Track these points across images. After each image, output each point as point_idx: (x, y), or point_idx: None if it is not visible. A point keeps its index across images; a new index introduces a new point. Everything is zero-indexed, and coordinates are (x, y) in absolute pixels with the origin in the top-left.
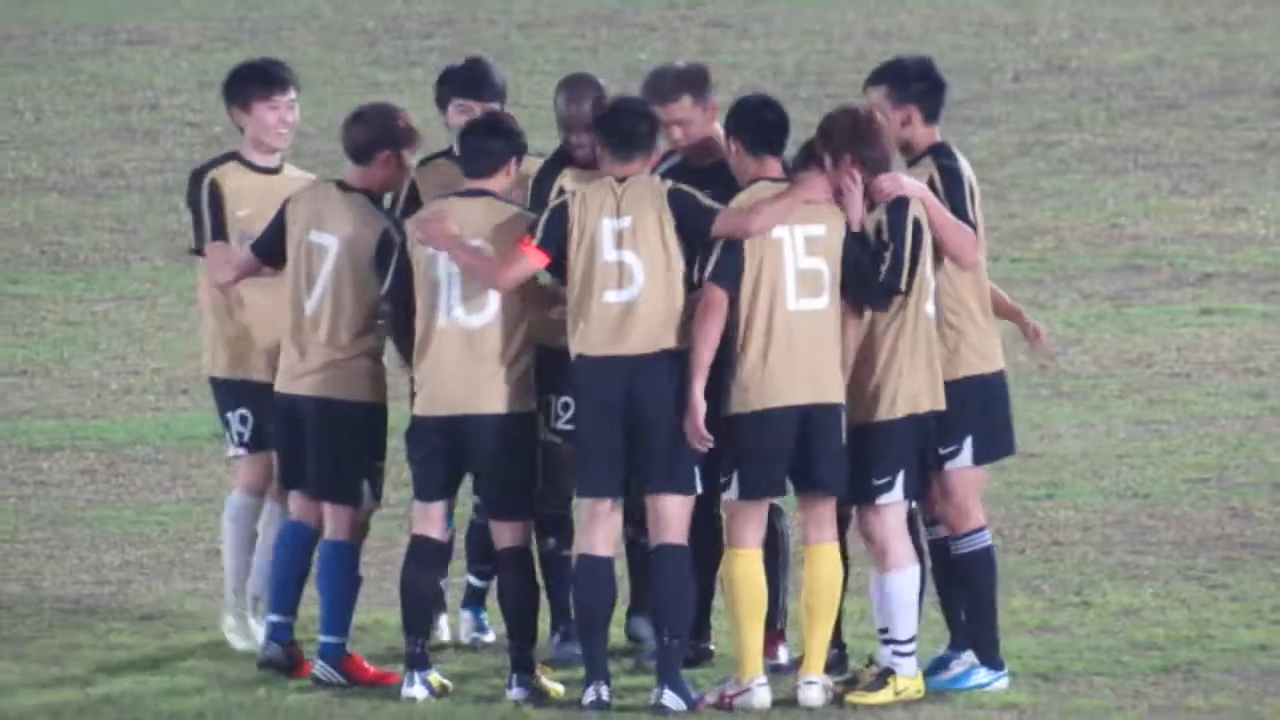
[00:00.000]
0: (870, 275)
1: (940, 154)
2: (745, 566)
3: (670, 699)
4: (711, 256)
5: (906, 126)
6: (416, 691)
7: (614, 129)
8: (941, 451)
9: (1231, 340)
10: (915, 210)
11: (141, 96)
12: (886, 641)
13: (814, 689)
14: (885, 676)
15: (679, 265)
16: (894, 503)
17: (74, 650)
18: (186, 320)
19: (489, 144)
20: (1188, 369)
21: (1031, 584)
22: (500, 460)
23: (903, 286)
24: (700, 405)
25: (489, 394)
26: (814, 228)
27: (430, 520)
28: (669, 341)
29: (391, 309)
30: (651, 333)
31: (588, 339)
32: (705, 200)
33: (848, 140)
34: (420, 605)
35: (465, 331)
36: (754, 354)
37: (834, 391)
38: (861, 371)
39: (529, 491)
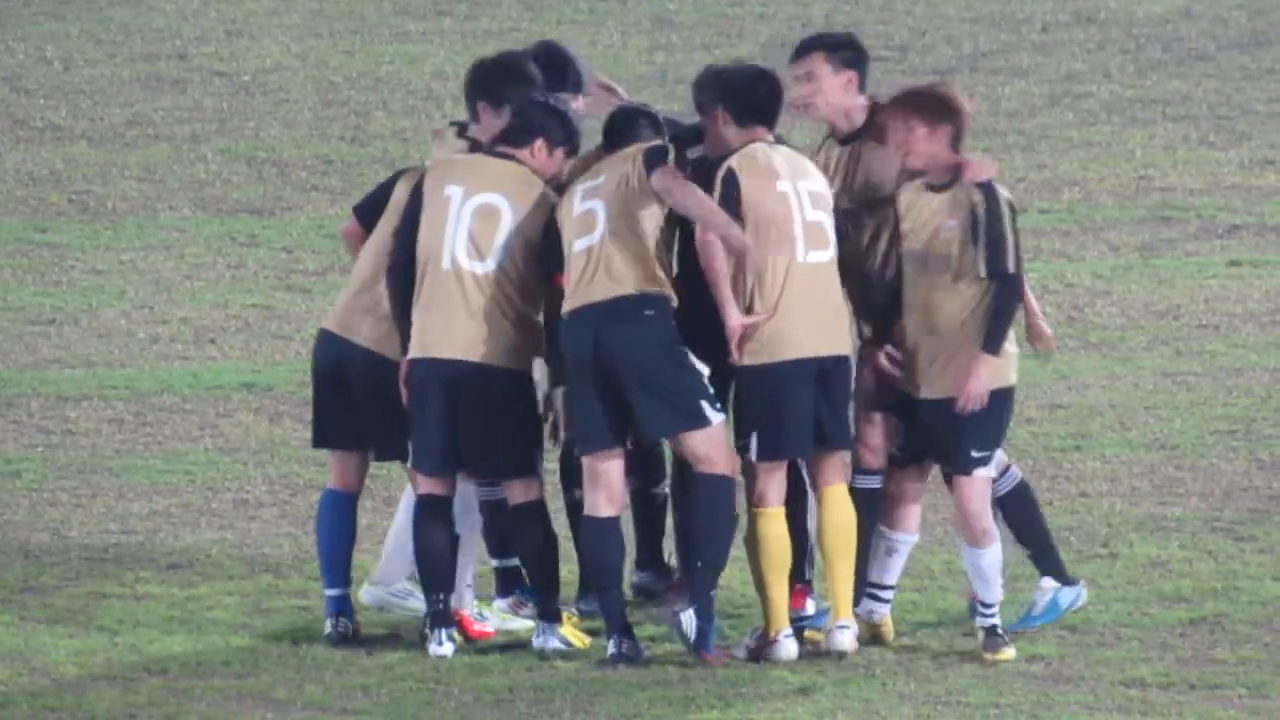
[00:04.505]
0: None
1: None
2: (769, 525)
3: (686, 620)
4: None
5: (847, 92)
6: (445, 649)
7: (611, 131)
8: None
9: (1259, 292)
10: (1005, 192)
11: (170, 45)
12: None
13: (845, 634)
14: (995, 631)
15: (648, 214)
16: (988, 475)
17: (101, 599)
18: (214, 269)
19: (530, 114)
20: (1215, 320)
21: (1058, 535)
22: (495, 414)
23: (1011, 269)
24: (733, 309)
25: (483, 343)
26: (815, 183)
27: (435, 480)
28: (630, 287)
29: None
30: (612, 277)
31: (567, 294)
32: (666, 157)
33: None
34: (437, 563)
35: (467, 277)
36: (767, 307)
37: (843, 343)
38: (964, 346)
39: (533, 448)
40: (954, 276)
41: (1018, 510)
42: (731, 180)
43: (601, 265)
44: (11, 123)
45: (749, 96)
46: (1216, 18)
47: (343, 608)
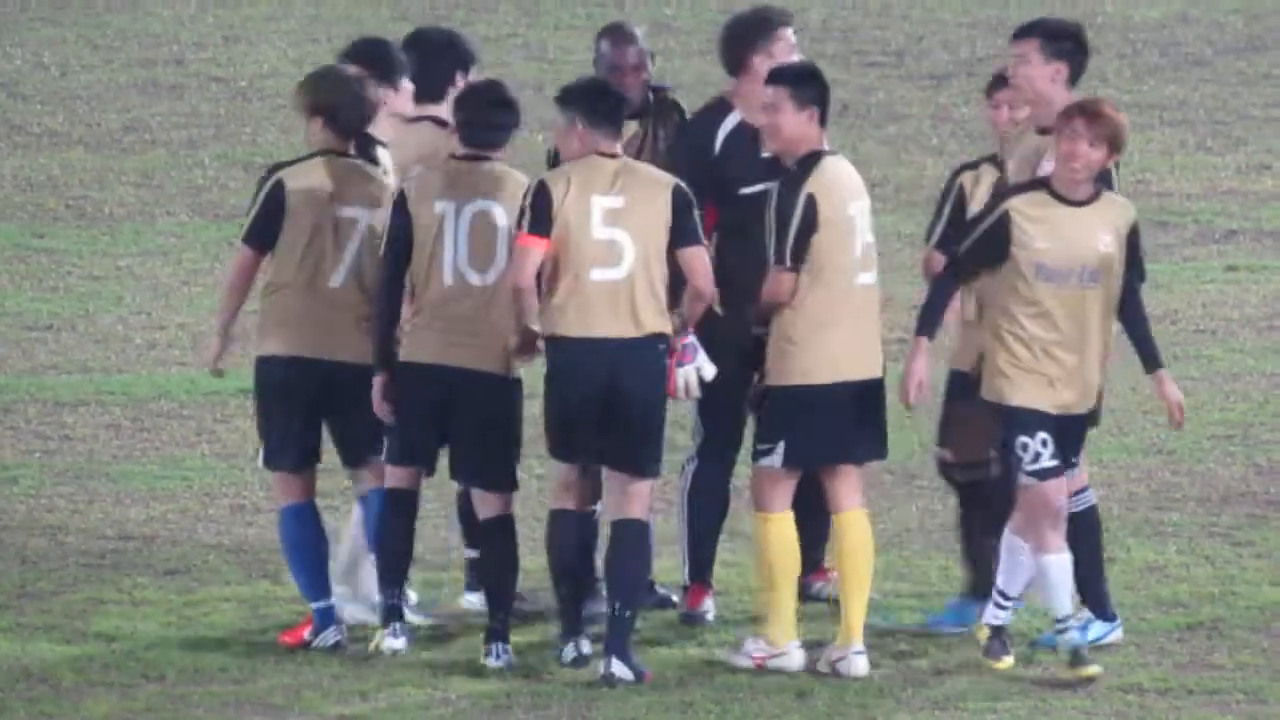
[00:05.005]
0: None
1: None
2: (779, 531)
3: (619, 668)
4: (788, 240)
5: (1053, 83)
6: (400, 644)
7: (600, 105)
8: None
9: (1256, 297)
10: None
11: (167, 51)
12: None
13: (860, 659)
14: (1000, 635)
15: (665, 253)
16: None
17: (98, 605)
18: (211, 275)
19: (500, 115)
20: (1212, 326)
21: None
22: (490, 422)
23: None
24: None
25: (487, 351)
26: (867, 201)
27: (408, 474)
28: (653, 325)
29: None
30: (635, 316)
31: (569, 319)
32: (697, 222)
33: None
34: (397, 558)
35: (471, 289)
36: (820, 329)
37: (879, 364)
38: (1103, 357)
39: (514, 461)
40: (1106, 289)
41: (1084, 532)
42: (813, 206)
43: (625, 303)
44: (9, 128)
45: (829, 98)
46: (1213, 23)
47: (336, 618)
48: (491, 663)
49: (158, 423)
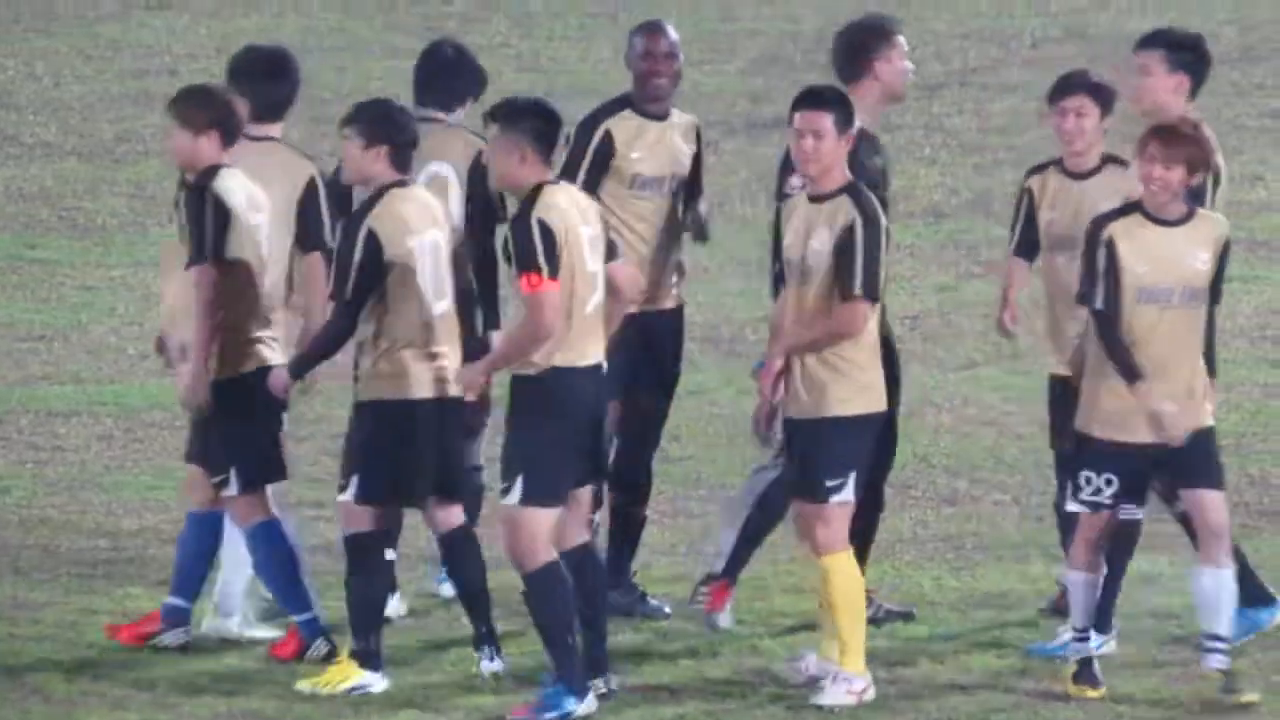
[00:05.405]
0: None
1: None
2: (852, 566)
3: (613, 681)
4: (880, 273)
5: (1175, 94)
6: (385, 685)
7: (548, 131)
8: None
9: (1249, 307)
10: None
11: (159, 62)
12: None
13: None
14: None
15: None
16: None
17: (90, 615)
18: None
19: (410, 133)
20: None
21: (1050, 551)
22: (457, 441)
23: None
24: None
25: (450, 375)
26: None
27: (372, 515)
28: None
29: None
30: (603, 336)
31: (572, 351)
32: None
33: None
34: (375, 606)
35: (446, 318)
36: (877, 355)
37: None
38: (1202, 373)
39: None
40: (1199, 307)
41: (1120, 542)
42: (889, 239)
43: (599, 325)
44: (1, 139)
45: None
46: (1207, 33)
47: (321, 628)
48: (486, 665)
49: (150, 433)
